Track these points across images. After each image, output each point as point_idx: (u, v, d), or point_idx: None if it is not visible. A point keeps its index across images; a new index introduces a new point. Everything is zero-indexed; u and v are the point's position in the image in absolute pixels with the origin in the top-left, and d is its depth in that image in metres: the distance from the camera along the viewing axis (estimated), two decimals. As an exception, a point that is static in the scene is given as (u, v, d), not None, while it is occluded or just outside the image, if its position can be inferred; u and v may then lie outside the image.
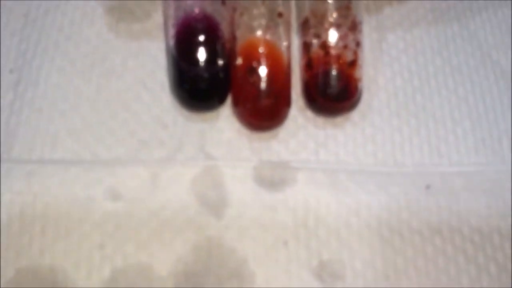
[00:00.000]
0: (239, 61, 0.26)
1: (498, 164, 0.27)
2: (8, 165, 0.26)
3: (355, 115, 0.28)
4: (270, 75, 0.26)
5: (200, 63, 0.26)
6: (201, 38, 0.26)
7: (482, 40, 0.31)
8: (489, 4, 0.32)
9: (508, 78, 0.30)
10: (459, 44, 0.30)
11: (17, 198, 0.25)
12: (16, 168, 0.26)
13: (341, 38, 0.26)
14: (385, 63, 0.30)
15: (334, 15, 0.26)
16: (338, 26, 0.26)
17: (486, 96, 0.29)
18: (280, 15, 0.26)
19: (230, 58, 0.26)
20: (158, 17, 0.30)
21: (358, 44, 0.27)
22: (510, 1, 0.32)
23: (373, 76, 0.29)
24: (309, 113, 0.28)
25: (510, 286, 0.25)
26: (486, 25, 0.31)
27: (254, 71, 0.26)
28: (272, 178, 0.26)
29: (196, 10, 0.26)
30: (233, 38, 0.26)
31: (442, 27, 0.31)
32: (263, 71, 0.26)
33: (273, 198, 0.26)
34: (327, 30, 0.26)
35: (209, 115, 0.28)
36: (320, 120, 0.28)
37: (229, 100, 0.27)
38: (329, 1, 0.26)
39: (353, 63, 0.26)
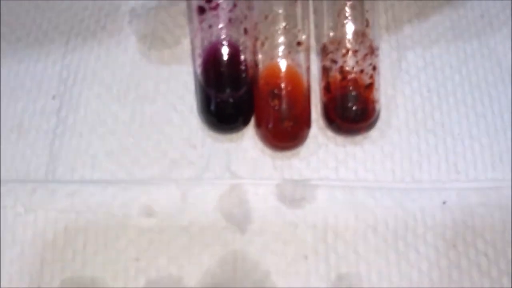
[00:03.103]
0: (261, 85, 0.27)
1: (515, 180, 0.27)
2: (53, 186, 0.27)
3: (374, 133, 0.29)
4: (290, 98, 0.27)
5: (225, 90, 0.27)
6: (226, 66, 0.27)
7: (502, 57, 0.31)
8: (509, 21, 0.32)
9: (526, 94, 0.29)
10: (478, 61, 0.31)
11: (61, 216, 0.27)
12: (60, 188, 0.27)
13: (357, 63, 0.27)
14: (404, 81, 0.30)
15: (351, 41, 0.27)
16: (354, 52, 0.27)
17: (504, 112, 0.29)
18: (299, 44, 0.27)
19: (252, 83, 0.27)
20: (187, 43, 0.31)
21: (374, 68, 0.27)
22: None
23: (392, 95, 0.29)
24: (329, 132, 0.29)
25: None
26: (506, 42, 0.31)
27: (275, 95, 0.27)
28: (293, 196, 0.27)
29: (221, 40, 0.27)
30: (255, 64, 0.27)
31: (461, 44, 0.31)
32: (283, 95, 0.27)
33: (294, 214, 0.27)
34: (344, 56, 0.27)
35: (234, 136, 0.29)
36: (340, 138, 0.29)
37: (253, 121, 0.28)
38: (346, 29, 0.27)
39: (369, 86, 0.27)
